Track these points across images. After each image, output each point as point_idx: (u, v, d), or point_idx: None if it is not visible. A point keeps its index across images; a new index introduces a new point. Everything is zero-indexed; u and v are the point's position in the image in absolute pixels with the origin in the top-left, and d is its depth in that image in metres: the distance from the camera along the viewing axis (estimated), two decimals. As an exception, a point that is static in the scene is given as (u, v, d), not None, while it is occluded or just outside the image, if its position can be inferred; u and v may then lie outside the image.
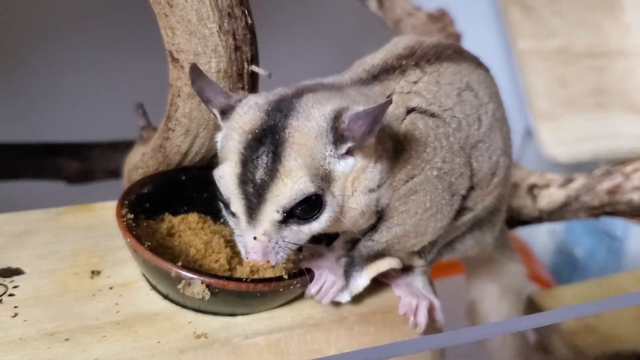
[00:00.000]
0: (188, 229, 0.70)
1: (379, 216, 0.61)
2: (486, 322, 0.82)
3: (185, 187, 0.74)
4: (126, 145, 0.90)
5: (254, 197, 0.55)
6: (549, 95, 1.36)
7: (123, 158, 0.87)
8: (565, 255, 1.61)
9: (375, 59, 0.65)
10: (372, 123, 0.53)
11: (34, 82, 1.23)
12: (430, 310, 0.65)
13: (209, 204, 0.72)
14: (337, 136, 0.54)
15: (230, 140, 0.57)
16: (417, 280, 0.67)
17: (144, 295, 0.64)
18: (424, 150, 0.60)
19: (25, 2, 1.12)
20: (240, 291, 0.59)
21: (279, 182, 0.54)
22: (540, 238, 1.62)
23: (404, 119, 0.60)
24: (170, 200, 0.72)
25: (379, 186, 0.58)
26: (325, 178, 0.55)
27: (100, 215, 0.75)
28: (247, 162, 0.55)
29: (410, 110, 0.61)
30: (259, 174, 0.54)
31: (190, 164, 0.75)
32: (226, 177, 0.56)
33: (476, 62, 0.67)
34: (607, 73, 1.42)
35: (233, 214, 0.58)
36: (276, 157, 0.54)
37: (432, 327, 0.67)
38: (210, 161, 0.75)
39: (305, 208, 0.55)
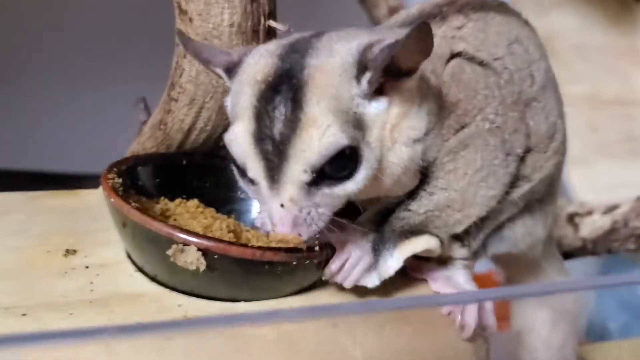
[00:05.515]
0: (186, 212, 0.59)
1: (421, 178, 0.51)
2: (535, 353, 0.68)
3: (186, 173, 0.64)
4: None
5: (275, 156, 0.45)
6: (579, 140, 1.27)
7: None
8: (599, 329, 1.47)
9: (410, 10, 0.58)
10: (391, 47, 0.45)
11: (27, 109, 1.16)
12: (479, 312, 0.53)
13: (211, 193, 0.62)
14: (361, 67, 0.46)
15: (242, 96, 0.48)
16: (459, 274, 0.56)
17: (126, 277, 0.54)
18: (474, 96, 0.52)
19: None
20: (244, 260, 0.48)
21: (303, 134, 0.45)
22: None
23: (448, 60, 0.52)
24: (167, 185, 0.62)
25: (426, 134, 0.49)
26: (357, 125, 0.46)
27: (85, 201, 0.66)
28: (262, 115, 0.46)
29: (455, 55, 0.52)
30: (278, 128, 0.45)
31: (193, 145, 0.66)
32: (239, 137, 0.47)
33: (523, 20, 0.61)
34: (638, 121, 1.35)
35: (252, 181, 0.48)
36: (296, 105, 0.45)
37: (481, 334, 0.54)
38: (216, 145, 0.66)
39: (339, 164, 0.46)
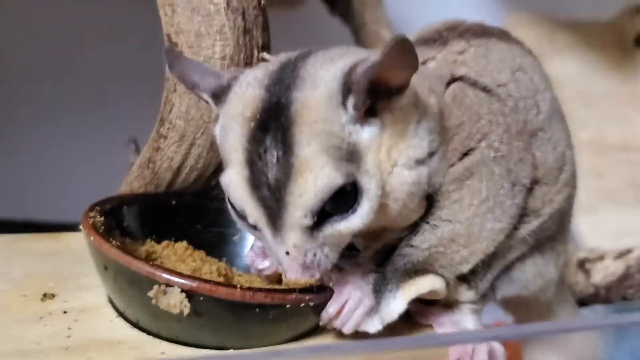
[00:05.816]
0: (173, 255, 0.56)
1: (425, 209, 0.48)
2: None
3: (175, 214, 0.61)
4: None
5: (273, 203, 0.43)
6: (584, 186, 1.23)
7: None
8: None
9: (409, 37, 0.55)
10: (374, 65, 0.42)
11: (15, 155, 1.13)
12: (490, 358, 0.49)
13: (202, 236, 0.59)
14: (345, 92, 0.43)
15: (231, 133, 0.45)
16: (467, 319, 0.52)
17: (106, 322, 0.50)
18: (478, 120, 0.50)
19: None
20: (232, 303, 0.44)
21: (298, 179, 0.42)
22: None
23: (449, 82, 0.50)
24: (155, 227, 0.59)
25: (430, 155, 0.46)
26: (352, 156, 0.43)
27: (68, 244, 0.62)
28: (254, 159, 0.44)
29: (457, 79, 0.50)
30: (272, 173, 0.43)
31: (183, 184, 0.62)
32: (234, 182, 0.45)
33: (527, 49, 0.58)
34: (644, 168, 1.32)
35: (254, 226, 0.46)
36: (287, 147, 0.43)
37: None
38: (207, 184, 0.63)
39: (339, 201, 0.43)
